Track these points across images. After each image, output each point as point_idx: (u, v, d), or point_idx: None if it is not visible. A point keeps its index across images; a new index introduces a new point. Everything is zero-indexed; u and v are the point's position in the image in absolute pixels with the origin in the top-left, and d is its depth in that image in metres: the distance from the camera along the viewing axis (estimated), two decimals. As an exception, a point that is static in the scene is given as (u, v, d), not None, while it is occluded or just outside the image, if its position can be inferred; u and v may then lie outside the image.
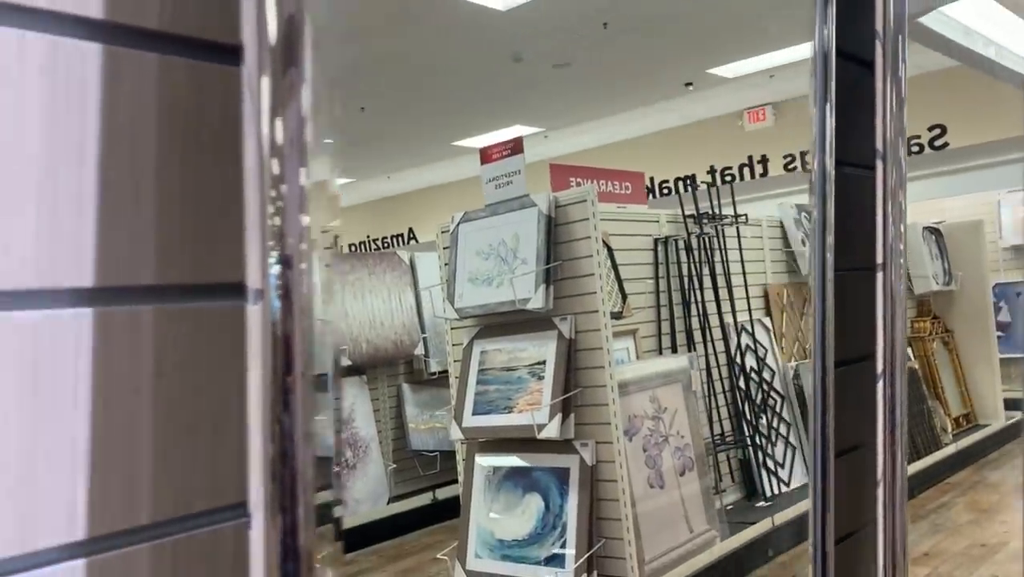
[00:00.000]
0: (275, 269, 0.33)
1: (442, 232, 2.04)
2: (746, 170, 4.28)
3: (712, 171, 4.48)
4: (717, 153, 4.48)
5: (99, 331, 0.32)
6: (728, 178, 4.36)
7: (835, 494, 0.64)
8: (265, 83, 0.33)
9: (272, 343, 0.32)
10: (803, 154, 3.37)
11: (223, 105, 0.35)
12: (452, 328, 2.00)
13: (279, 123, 0.32)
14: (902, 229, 0.74)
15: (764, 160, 4.28)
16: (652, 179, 4.89)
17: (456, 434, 1.87)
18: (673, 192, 4.61)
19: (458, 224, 2.02)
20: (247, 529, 0.35)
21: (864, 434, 0.70)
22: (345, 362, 1.74)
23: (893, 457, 0.68)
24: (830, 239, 0.75)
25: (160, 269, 0.33)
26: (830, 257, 0.75)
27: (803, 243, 3.14)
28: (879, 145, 0.73)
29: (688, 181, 4.48)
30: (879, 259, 0.72)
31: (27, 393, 0.31)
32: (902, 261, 0.71)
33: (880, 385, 0.72)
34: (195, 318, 0.35)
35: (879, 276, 0.72)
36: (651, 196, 4.78)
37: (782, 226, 3.15)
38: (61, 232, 0.32)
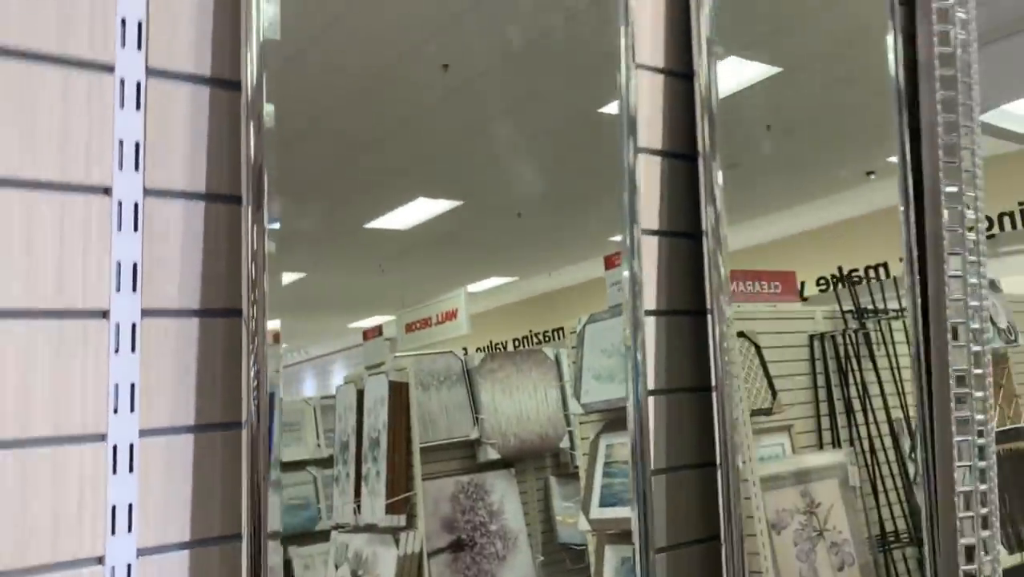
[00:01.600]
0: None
1: (571, 333, 2.25)
2: None
3: (902, 259, 4.42)
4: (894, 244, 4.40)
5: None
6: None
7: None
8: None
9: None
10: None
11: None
12: (581, 423, 2.18)
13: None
14: (727, 359, 1.00)
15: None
16: (840, 268, 4.87)
17: (583, 525, 1.90)
18: (864, 280, 4.57)
19: (584, 325, 2.23)
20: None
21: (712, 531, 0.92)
22: (494, 456, 2.00)
23: (731, 550, 0.90)
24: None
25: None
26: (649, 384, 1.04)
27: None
28: (708, 303, 1.00)
29: (881, 269, 4.44)
30: (713, 381, 0.97)
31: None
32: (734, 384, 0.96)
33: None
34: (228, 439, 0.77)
35: (713, 396, 0.98)
36: (841, 286, 4.76)
37: None
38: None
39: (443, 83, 1.35)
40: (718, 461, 1.10)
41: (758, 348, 2.55)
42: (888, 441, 2.75)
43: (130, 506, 0.76)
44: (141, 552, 0.76)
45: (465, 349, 1.45)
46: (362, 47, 1.27)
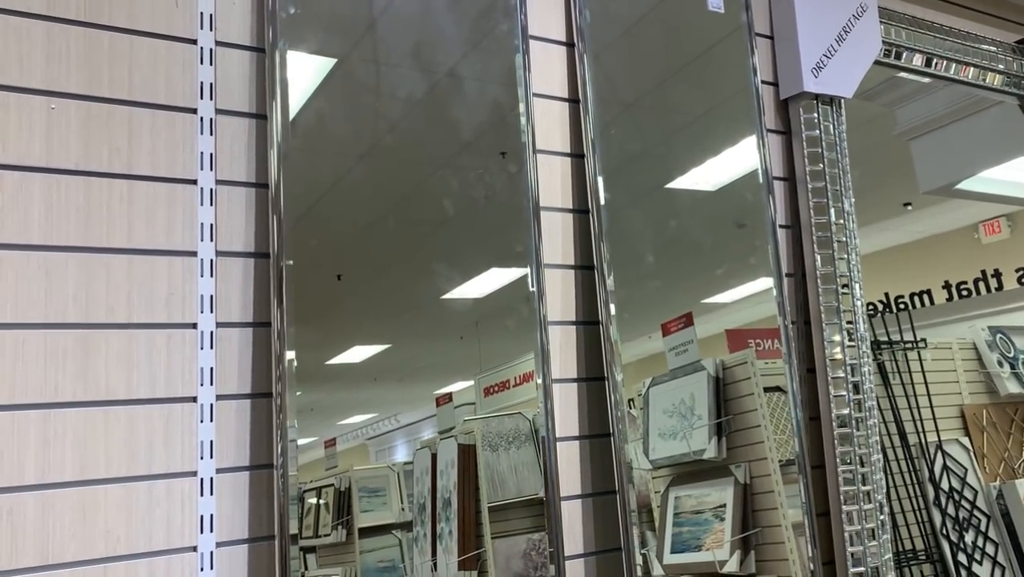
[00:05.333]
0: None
1: (638, 395, 2.21)
2: (981, 284, 4.35)
3: (947, 286, 4.62)
4: (952, 268, 4.57)
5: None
6: (965, 293, 4.45)
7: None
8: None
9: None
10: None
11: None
12: (653, 477, 2.16)
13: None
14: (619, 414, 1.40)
15: (997, 274, 4.33)
16: (887, 294, 5.08)
17: (657, 570, 1.96)
18: (910, 307, 4.74)
19: (648, 388, 2.16)
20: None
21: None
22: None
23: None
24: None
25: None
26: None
27: (999, 364, 3.27)
28: (605, 372, 1.43)
29: (925, 296, 4.62)
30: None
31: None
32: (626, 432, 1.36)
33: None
34: (267, 474, 1.30)
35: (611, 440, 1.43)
36: (888, 311, 4.95)
37: (975, 347, 3.32)
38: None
39: (503, 167, 1.52)
40: (616, 488, 1.57)
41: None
42: (905, 465, 3.02)
43: (212, 516, 1.29)
44: (219, 544, 1.29)
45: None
46: (426, 146, 1.48)
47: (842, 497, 1.74)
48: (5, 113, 1.22)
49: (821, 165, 1.80)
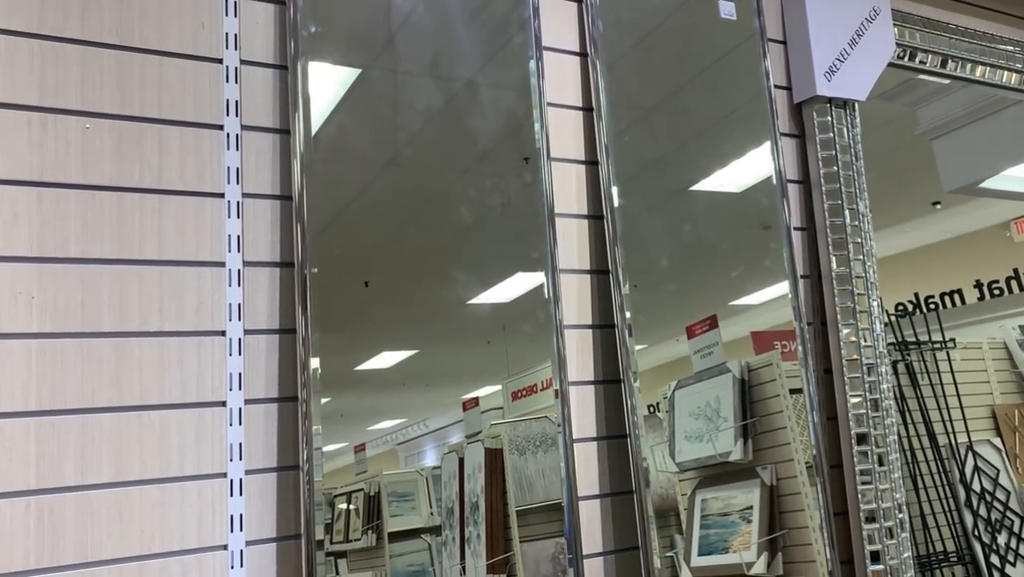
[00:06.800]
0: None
1: (663, 398, 2.22)
2: (1013, 283, 4.30)
3: (979, 285, 4.57)
4: (983, 267, 4.52)
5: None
6: (996, 292, 4.40)
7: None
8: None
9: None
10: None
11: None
12: (680, 480, 2.18)
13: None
14: (635, 419, 1.43)
15: (1030, 273, 4.26)
16: (917, 294, 5.03)
17: (685, 573, 1.99)
18: (941, 307, 4.69)
19: (673, 391, 2.18)
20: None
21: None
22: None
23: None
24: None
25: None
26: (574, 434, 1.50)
27: (1032, 363, 3.25)
28: (621, 375, 1.47)
29: (956, 296, 4.58)
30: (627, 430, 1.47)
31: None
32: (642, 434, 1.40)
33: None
34: (294, 475, 1.35)
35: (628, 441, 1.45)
36: (917, 311, 4.90)
37: (1006, 347, 3.30)
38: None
39: (519, 175, 1.55)
40: (633, 488, 1.61)
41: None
42: (934, 466, 2.99)
43: (241, 516, 1.35)
44: (248, 543, 1.35)
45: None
46: (444, 155, 1.52)
47: (860, 495, 1.76)
48: (43, 133, 1.30)
49: (835, 168, 1.83)
